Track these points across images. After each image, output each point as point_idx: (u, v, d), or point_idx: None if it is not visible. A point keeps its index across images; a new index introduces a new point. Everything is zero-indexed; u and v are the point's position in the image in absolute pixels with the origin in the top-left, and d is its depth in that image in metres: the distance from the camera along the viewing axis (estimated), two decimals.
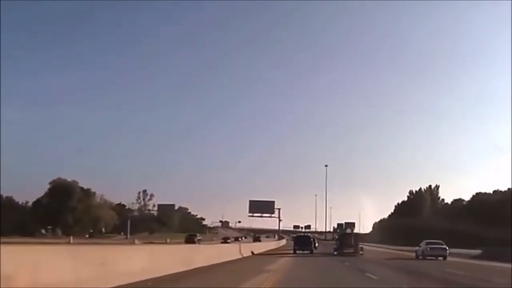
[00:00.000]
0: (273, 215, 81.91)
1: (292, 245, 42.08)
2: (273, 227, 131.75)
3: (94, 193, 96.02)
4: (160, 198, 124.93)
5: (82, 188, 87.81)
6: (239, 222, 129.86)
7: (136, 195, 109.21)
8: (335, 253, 36.74)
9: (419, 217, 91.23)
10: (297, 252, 38.76)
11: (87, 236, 76.64)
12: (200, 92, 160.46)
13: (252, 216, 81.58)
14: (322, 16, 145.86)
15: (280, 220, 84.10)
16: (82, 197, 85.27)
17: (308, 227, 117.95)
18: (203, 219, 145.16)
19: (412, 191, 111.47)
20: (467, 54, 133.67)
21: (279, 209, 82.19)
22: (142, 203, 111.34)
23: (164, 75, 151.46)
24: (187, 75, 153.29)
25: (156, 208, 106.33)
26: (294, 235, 55.17)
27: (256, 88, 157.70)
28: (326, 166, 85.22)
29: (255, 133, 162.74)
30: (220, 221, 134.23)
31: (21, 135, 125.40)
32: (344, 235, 43.35)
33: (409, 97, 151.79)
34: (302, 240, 41.93)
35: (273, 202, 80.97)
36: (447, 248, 32.44)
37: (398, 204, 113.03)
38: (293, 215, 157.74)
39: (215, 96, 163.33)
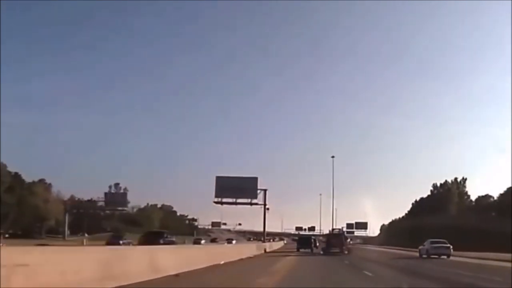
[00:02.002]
0: (254, 201, 57.42)
1: (288, 249, 50.03)
2: (275, 230, 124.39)
3: (50, 184, 77.79)
4: (157, 199, 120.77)
5: (16, 174, 68.89)
6: (239, 224, 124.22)
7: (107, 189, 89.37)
8: (321, 252, 40.03)
9: (445, 215, 79.15)
10: (300, 250, 44.07)
11: (7, 236, 57.78)
12: (201, 93, 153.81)
13: (220, 202, 57.45)
14: (321, 20, 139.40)
15: (266, 208, 58.47)
16: (13, 185, 66.24)
17: (312, 228, 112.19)
18: (195, 220, 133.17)
19: (436, 184, 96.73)
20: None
21: (265, 190, 57.62)
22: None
23: (165, 77, 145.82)
24: (188, 77, 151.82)
25: (129, 204, 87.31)
26: (296, 238, 61.38)
27: (256, 91, 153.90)
28: (332, 157, 68.69)
29: (257, 135, 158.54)
30: (212, 222, 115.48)
31: (21, 138, 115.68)
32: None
33: (410, 100, 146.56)
34: (304, 241, 48.64)
35: (255, 179, 57.23)
36: (451, 246, 33.45)
37: (416, 201, 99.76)
38: (297, 217, 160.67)
39: (216, 97, 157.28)
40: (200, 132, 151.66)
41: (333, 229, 55.91)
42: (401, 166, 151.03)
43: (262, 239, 63.50)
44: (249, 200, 57.23)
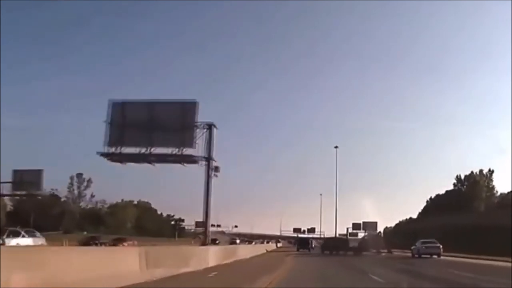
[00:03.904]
0: (188, 152, 31.10)
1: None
2: (274, 232, 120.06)
3: None
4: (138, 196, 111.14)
5: None
6: (236, 226, 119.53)
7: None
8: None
9: (470, 214, 68.07)
10: (299, 250, 50.89)
11: None
12: (203, 94, 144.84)
13: (116, 157, 31.36)
14: (324, 21, 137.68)
15: (213, 169, 32.15)
16: None
17: (312, 230, 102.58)
18: (182, 220, 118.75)
19: (460, 176, 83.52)
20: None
21: (209, 127, 31.77)
22: (76, 191, 76.94)
23: (165, 81, 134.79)
24: (189, 78, 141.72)
25: (93, 198, 72.01)
26: (292, 240, 67.51)
27: (258, 91, 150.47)
28: (336, 147, 64.18)
29: (258, 137, 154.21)
30: (196, 222, 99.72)
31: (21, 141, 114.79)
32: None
33: (411, 102, 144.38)
34: (303, 242, 56.21)
35: (192, 106, 31.40)
36: (441, 246, 35.43)
37: (431, 199, 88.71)
38: (297, 218, 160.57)
39: (217, 98, 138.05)
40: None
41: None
42: (404, 168, 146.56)
43: (204, 237, 37.77)
44: (177, 150, 30.40)
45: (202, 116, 31.06)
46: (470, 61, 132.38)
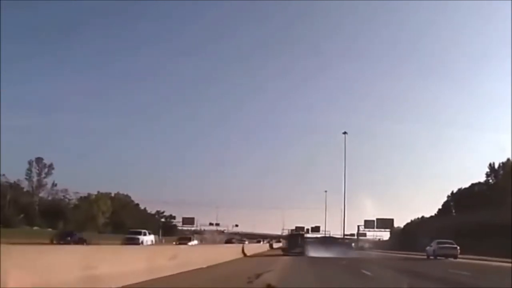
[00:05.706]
0: None
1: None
2: (275, 232, 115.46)
3: None
4: (151, 204, 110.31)
5: None
6: (236, 225, 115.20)
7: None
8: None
9: (503, 209, 55.27)
10: None
11: None
12: (203, 96, 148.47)
13: None
14: (325, 21, 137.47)
15: None
16: None
17: (317, 229, 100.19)
18: (173, 218, 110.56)
19: (493, 165, 71.83)
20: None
21: None
22: (35, 179, 64.90)
23: (165, 83, 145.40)
24: (189, 79, 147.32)
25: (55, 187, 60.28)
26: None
27: (259, 92, 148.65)
28: (344, 133, 60.45)
29: (259, 137, 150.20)
30: (183, 219, 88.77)
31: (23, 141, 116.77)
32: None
33: (411, 104, 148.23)
34: None
35: None
36: (458, 247, 34.21)
37: (452, 194, 78.68)
38: (302, 217, 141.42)
39: (217, 99, 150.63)
40: (202, 131, 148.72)
41: None
42: (409, 168, 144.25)
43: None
44: None
45: None
46: (471, 62, 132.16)
